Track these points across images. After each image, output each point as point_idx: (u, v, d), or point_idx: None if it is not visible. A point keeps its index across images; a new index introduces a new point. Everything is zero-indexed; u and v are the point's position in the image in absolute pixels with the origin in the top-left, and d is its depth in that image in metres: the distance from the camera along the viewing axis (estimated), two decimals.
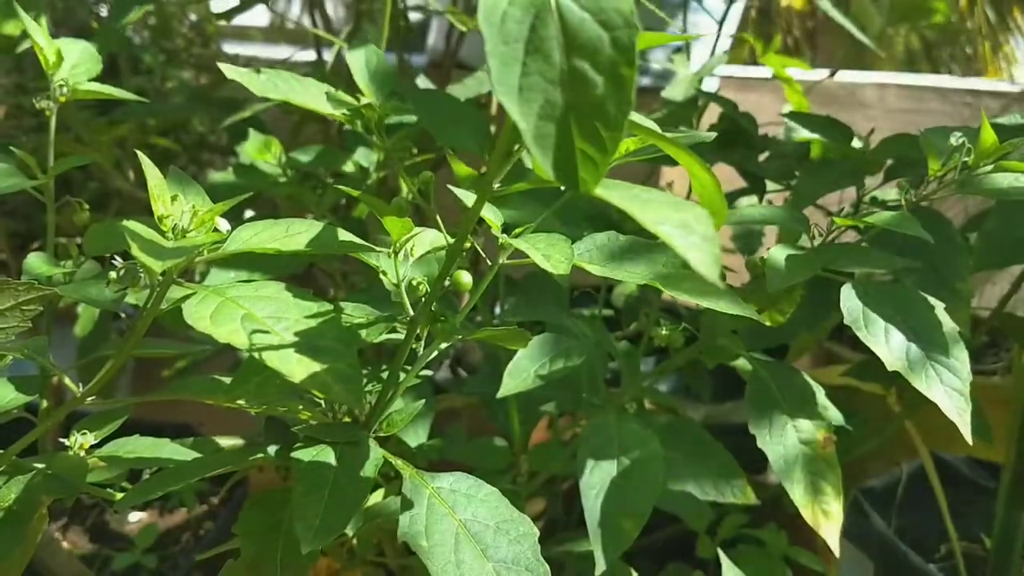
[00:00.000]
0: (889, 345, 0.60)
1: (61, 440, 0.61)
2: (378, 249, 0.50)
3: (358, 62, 0.70)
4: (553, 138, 0.30)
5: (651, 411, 0.91)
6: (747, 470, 0.76)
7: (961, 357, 0.59)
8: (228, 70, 0.57)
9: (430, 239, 0.52)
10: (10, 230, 1.24)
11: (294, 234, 0.47)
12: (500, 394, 0.69)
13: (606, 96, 0.30)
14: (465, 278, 0.50)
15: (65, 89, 0.66)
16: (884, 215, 0.64)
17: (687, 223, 0.30)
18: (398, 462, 0.53)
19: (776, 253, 0.64)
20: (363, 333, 0.49)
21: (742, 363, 0.73)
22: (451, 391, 1.15)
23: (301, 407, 0.55)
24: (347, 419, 0.56)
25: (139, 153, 0.45)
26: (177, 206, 0.44)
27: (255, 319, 0.43)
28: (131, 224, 0.42)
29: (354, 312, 0.51)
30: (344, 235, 0.48)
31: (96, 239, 0.63)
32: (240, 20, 1.86)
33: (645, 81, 1.39)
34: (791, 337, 0.82)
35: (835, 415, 0.74)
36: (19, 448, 0.56)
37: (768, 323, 0.74)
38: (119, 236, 0.61)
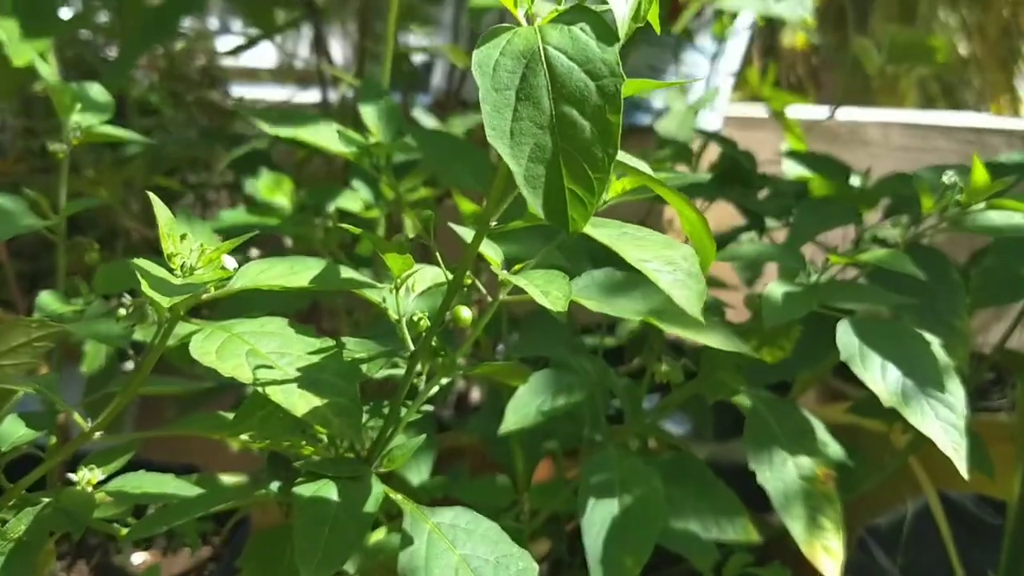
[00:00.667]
0: (885, 380, 0.61)
1: (69, 475, 0.62)
2: (380, 285, 0.51)
3: (367, 103, 0.72)
4: (543, 179, 0.31)
5: (654, 450, 0.91)
6: (752, 508, 0.77)
7: (956, 392, 0.60)
8: (241, 110, 0.59)
9: (431, 275, 0.53)
10: (17, 271, 1.25)
11: (299, 271, 0.48)
12: (502, 430, 0.69)
13: (593, 140, 0.31)
14: (465, 313, 0.51)
15: (78, 132, 0.68)
16: (878, 252, 0.65)
17: (673, 260, 0.32)
18: (398, 497, 0.54)
19: (773, 289, 0.65)
20: (364, 368, 0.50)
21: (741, 399, 0.73)
22: (455, 430, 1.16)
23: (304, 443, 0.56)
24: (349, 455, 0.57)
25: (150, 194, 0.47)
26: (186, 244, 0.46)
27: (259, 354, 0.44)
28: (141, 262, 0.43)
29: (356, 347, 0.52)
30: (347, 272, 0.50)
31: (106, 278, 0.65)
32: (249, 62, 1.89)
33: (646, 120, 1.40)
34: (792, 374, 0.83)
35: (835, 451, 0.74)
36: (28, 483, 0.57)
37: (768, 359, 0.75)
38: (128, 275, 0.62)
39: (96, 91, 0.73)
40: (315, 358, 0.45)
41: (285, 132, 0.60)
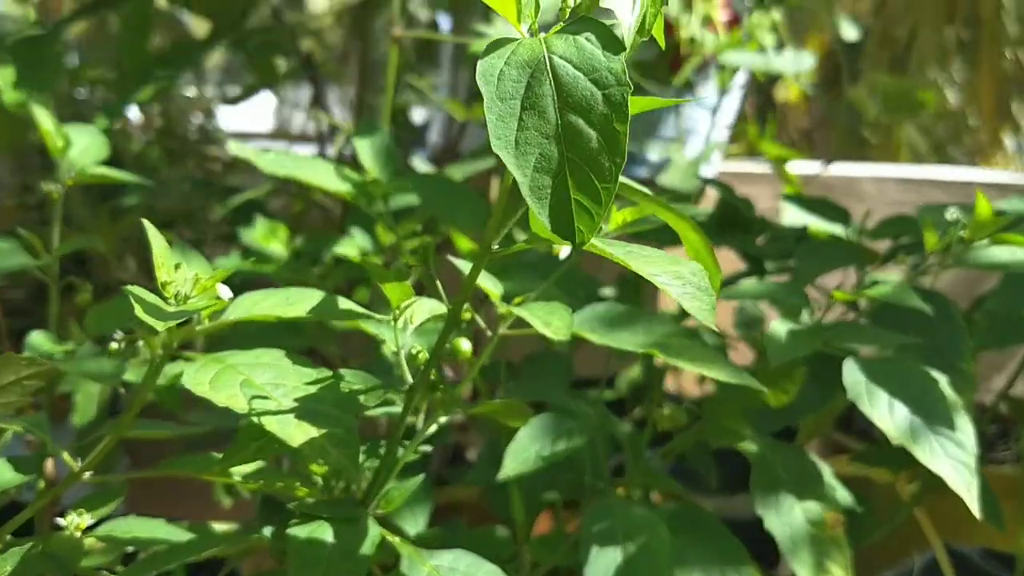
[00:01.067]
0: (893, 418, 0.60)
1: (57, 520, 0.60)
2: (379, 317, 0.50)
3: (364, 143, 0.72)
4: (549, 190, 0.31)
5: (656, 502, 0.89)
6: (759, 563, 0.75)
7: (966, 430, 0.59)
8: (236, 148, 0.59)
9: (430, 307, 0.52)
10: (8, 328, 1.24)
11: (296, 302, 0.47)
12: (501, 476, 0.68)
13: (600, 150, 0.31)
14: (464, 345, 0.50)
15: (72, 172, 0.68)
16: (882, 288, 0.64)
17: (682, 275, 0.31)
18: (395, 540, 0.52)
19: (777, 327, 0.64)
20: (361, 399, 0.49)
21: (747, 444, 0.72)
22: (451, 484, 1.13)
23: (298, 484, 0.54)
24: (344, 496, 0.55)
25: (144, 221, 0.46)
26: (180, 273, 0.45)
27: (254, 385, 0.43)
28: (134, 288, 0.42)
29: (353, 379, 0.51)
30: (344, 303, 0.49)
31: (98, 318, 0.64)
32: (246, 127, 1.91)
33: (642, 172, 1.41)
34: (796, 418, 0.81)
35: (843, 496, 0.72)
36: (14, 526, 0.55)
37: (772, 403, 0.73)
38: (120, 315, 0.61)
39: (90, 133, 0.72)
40: (311, 389, 0.44)
41: (281, 171, 0.60)
